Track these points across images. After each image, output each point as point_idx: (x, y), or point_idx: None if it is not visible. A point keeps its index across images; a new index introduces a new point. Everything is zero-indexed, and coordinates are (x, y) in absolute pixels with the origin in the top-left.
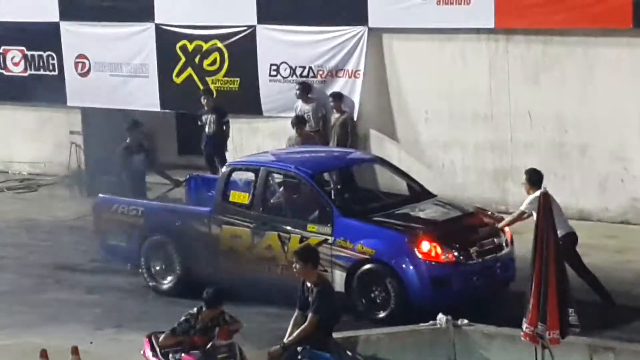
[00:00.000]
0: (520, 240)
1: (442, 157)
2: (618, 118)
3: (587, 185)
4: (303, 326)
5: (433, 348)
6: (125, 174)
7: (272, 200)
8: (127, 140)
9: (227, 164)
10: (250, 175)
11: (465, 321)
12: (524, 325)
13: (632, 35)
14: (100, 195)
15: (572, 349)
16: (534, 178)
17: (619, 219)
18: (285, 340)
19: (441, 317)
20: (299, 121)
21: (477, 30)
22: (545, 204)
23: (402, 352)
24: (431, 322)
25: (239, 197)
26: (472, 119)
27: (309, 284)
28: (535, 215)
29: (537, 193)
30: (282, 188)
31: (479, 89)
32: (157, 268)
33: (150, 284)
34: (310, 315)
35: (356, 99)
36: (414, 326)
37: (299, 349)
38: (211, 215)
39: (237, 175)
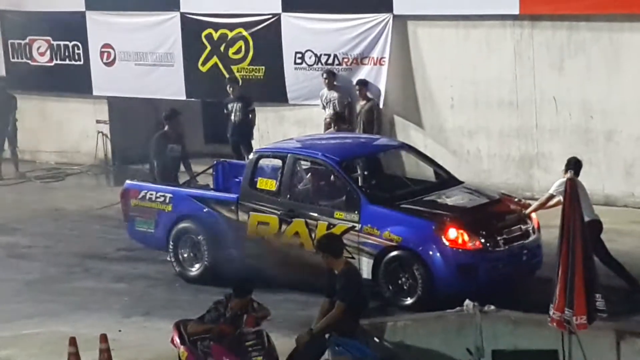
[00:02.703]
0: (547, 227)
1: (467, 144)
2: None
3: (613, 170)
4: (330, 313)
5: (460, 334)
6: (158, 162)
7: (299, 187)
8: (165, 128)
9: (254, 150)
10: (278, 162)
11: (492, 307)
12: (551, 311)
13: None
14: (128, 181)
15: (599, 335)
16: (571, 165)
17: None
18: (312, 327)
19: (468, 303)
20: (337, 118)
21: (502, 17)
22: (572, 189)
23: (429, 339)
24: (458, 308)
25: (267, 184)
26: (497, 106)
27: (336, 272)
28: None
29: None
30: (309, 175)
31: (504, 75)
32: (185, 255)
33: (178, 270)
34: (337, 302)
35: (382, 86)
36: (440, 312)
37: (326, 335)
38: (238, 202)
39: (264, 162)
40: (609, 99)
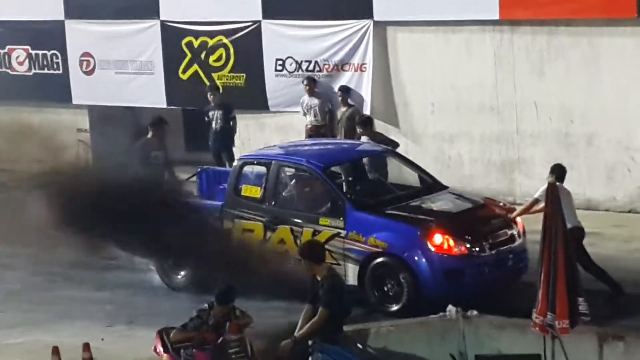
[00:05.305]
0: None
1: (448, 149)
2: (624, 107)
3: (594, 175)
4: (313, 320)
5: (443, 339)
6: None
7: (284, 194)
8: (148, 135)
9: (238, 157)
10: (262, 169)
11: (475, 312)
12: (534, 316)
13: (637, 25)
14: None
15: (582, 339)
16: (555, 171)
17: (627, 208)
18: (296, 334)
19: (451, 309)
20: (362, 121)
21: (482, 22)
22: (553, 194)
23: (412, 344)
24: (441, 313)
25: (251, 191)
26: (478, 111)
27: (319, 278)
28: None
29: None
30: (293, 181)
31: (485, 80)
32: (170, 263)
33: (163, 279)
34: (320, 309)
35: (366, 92)
36: (423, 318)
37: (309, 342)
38: (223, 209)
39: (248, 169)
40: (589, 104)
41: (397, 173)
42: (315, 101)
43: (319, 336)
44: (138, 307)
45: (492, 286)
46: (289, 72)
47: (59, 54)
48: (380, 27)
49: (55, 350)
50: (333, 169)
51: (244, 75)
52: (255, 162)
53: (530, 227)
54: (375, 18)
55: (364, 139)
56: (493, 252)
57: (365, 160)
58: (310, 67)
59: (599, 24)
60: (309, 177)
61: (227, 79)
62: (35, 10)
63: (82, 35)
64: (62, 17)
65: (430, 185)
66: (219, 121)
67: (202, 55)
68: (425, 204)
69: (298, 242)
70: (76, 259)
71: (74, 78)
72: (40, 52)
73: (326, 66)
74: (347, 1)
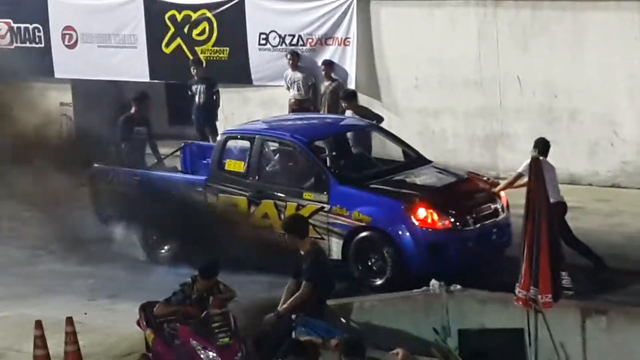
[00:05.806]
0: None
1: (432, 124)
2: (607, 82)
3: (577, 149)
4: (297, 294)
5: (426, 314)
6: (125, 144)
7: (267, 169)
8: (132, 110)
9: (222, 132)
10: (246, 144)
11: (458, 287)
12: (517, 290)
13: (621, 0)
14: (96, 165)
15: (565, 313)
16: (538, 145)
17: (609, 182)
18: (279, 308)
19: (434, 283)
20: (349, 97)
21: None
22: (537, 169)
23: (396, 319)
24: (424, 288)
25: (235, 165)
26: (461, 86)
27: (302, 252)
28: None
29: None
30: (277, 156)
31: (468, 55)
32: (154, 238)
33: (147, 253)
34: (304, 283)
35: (350, 66)
36: (407, 292)
37: (293, 316)
38: (207, 184)
39: (232, 144)
40: (572, 79)
41: (381, 147)
42: (299, 75)
43: (303, 310)
44: (121, 281)
45: (476, 260)
46: (273, 46)
47: (41, 28)
48: (364, 1)
49: (39, 324)
50: (317, 143)
51: (228, 49)
52: (239, 136)
53: (513, 202)
54: None
55: (347, 113)
56: (477, 226)
57: (349, 134)
58: (294, 41)
59: None
60: (292, 152)
61: (210, 53)
62: None
63: (64, 8)
64: None
65: (414, 159)
66: (202, 95)
67: (186, 29)
68: (409, 178)
69: (282, 216)
70: (59, 233)
71: (56, 52)
72: (22, 25)
73: (310, 40)
74: None
